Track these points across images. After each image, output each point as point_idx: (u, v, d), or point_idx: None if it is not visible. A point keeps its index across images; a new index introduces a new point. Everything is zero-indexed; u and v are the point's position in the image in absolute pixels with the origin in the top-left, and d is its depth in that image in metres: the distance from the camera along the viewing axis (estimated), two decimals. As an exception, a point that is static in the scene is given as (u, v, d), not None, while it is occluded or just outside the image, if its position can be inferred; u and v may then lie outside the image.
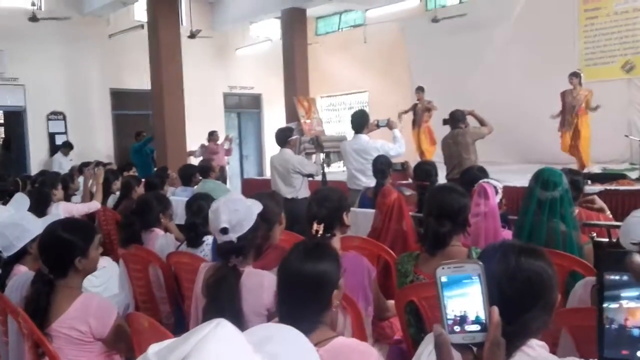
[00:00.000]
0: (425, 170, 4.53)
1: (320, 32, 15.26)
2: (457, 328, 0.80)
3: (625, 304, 0.63)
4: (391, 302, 2.53)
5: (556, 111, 8.30)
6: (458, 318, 0.81)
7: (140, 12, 12.07)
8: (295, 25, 12.11)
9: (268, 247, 2.58)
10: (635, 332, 0.60)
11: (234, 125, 14.69)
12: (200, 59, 13.03)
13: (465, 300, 0.81)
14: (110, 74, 12.12)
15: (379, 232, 3.44)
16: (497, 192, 3.36)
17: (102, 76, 12.09)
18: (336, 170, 9.06)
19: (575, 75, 8.17)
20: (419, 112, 10.04)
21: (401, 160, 5.15)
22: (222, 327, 0.68)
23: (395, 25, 12.79)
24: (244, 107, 15.01)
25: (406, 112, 10.18)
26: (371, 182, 5.16)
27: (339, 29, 14.89)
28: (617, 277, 0.64)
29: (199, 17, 12.84)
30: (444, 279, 0.82)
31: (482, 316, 0.80)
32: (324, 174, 6.58)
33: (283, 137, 5.98)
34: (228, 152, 11.57)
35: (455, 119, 6.24)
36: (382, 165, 4.42)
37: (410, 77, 12.74)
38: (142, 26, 11.01)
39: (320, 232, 2.50)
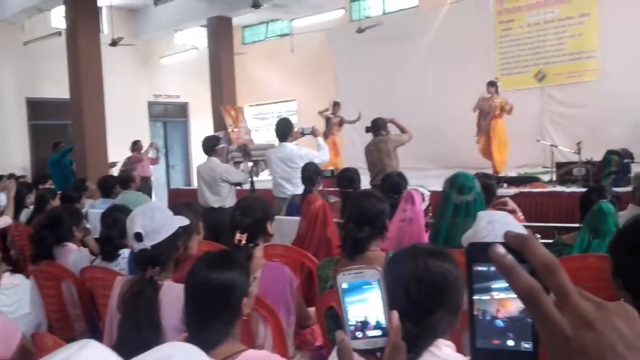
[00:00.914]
0: (348, 177, 4.58)
1: (247, 41, 15.21)
2: (359, 334, 0.80)
3: (495, 295, 0.64)
4: (313, 310, 2.54)
5: (474, 120, 8.65)
6: (359, 324, 0.81)
7: (57, 18, 11.59)
8: (221, 33, 12.02)
9: (186, 258, 2.53)
10: (506, 322, 0.62)
11: (160, 134, 14.36)
12: (123, 67, 12.65)
13: (366, 305, 0.81)
14: (26, 83, 11.56)
15: (303, 239, 3.44)
16: (424, 199, 3.47)
17: (17, 85, 11.51)
18: (265, 179, 9.03)
19: (492, 84, 8.56)
20: (331, 125, 10.22)
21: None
22: (87, 348, 0.65)
23: (322, 34, 12.96)
24: (170, 116, 14.70)
25: (324, 111, 10.33)
26: (297, 189, 5.18)
27: (265, 38, 14.89)
28: (485, 269, 0.65)
29: (121, 25, 12.48)
30: (344, 285, 0.82)
31: (383, 321, 0.81)
32: (252, 183, 6.54)
33: (210, 146, 5.88)
34: (154, 160, 11.28)
35: (377, 127, 6.34)
36: (309, 173, 4.44)
37: (337, 86, 12.93)
38: (59, 33, 10.57)
39: (243, 241, 2.48)
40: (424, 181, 6.19)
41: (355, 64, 12.37)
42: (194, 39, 14.26)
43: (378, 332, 0.79)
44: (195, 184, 11.60)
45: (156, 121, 14.34)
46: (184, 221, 2.27)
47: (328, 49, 13.21)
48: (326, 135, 10.09)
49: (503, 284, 0.60)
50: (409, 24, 11.60)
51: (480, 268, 0.64)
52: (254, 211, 2.52)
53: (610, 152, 6.37)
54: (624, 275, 1.41)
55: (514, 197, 6.12)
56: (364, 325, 0.80)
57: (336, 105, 10.33)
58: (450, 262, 1.36)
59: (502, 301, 0.63)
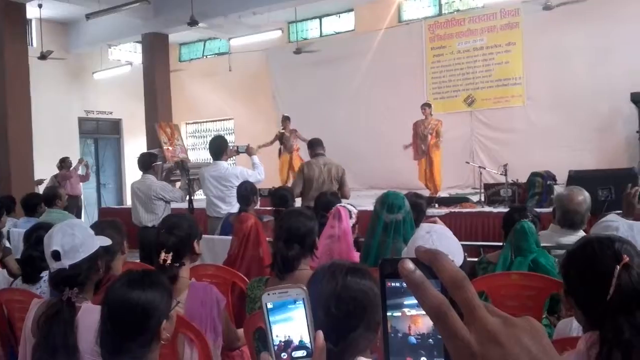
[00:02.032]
0: (281, 196, 4.58)
1: (184, 58, 15.04)
2: (283, 355, 0.78)
3: (407, 311, 0.64)
4: (242, 331, 2.49)
5: (408, 142, 8.87)
6: (283, 343, 0.80)
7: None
8: (157, 50, 11.84)
9: (109, 279, 2.44)
10: (418, 339, 0.62)
11: (91, 151, 13.87)
12: (53, 82, 12.22)
13: (291, 325, 0.79)
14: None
15: (234, 258, 3.40)
16: (351, 217, 3.51)
17: None
18: (202, 197, 8.90)
19: (427, 105, 8.84)
20: (288, 139, 10.20)
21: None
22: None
23: (260, 54, 13.00)
24: (102, 133, 14.25)
25: (270, 143, 10.23)
26: (232, 209, 5.12)
27: (203, 56, 14.78)
28: (398, 285, 0.64)
29: (51, 38, 12.04)
30: (269, 305, 0.80)
31: (307, 341, 0.80)
32: (190, 201, 6.41)
33: (146, 162, 5.74)
34: (84, 177, 10.89)
35: (315, 146, 6.31)
36: (245, 192, 4.39)
37: (275, 105, 12.97)
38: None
39: (169, 261, 2.41)
40: (359, 201, 6.27)
41: (293, 84, 12.47)
42: (129, 55, 13.96)
43: (303, 353, 0.78)
44: (128, 202, 11.34)
45: (87, 138, 13.86)
46: (105, 240, 2.19)
47: (266, 69, 13.26)
48: (290, 151, 10.09)
49: (414, 300, 0.60)
50: (345, 46, 11.84)
51: (393, 284, 0.64)
52: (180, 229, 2.45)
53: (534, 174, 6.67)
54: (575, 295, 1.47)
55: (445, 217, 6.32)
56: (288, 345, 0.79)
57: (285, 119, 10.24)
58: (370, 279, 1.37)
59: (414, 317, 0.62)
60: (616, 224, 2.08)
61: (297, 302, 0.80)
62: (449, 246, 2.01)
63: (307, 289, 0.81)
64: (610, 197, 5.32)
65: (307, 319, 0.79)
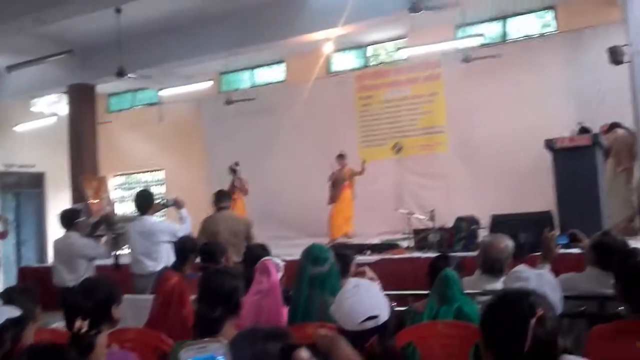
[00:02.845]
0: (209, 251, 4.45)
1: (113, 109, 14.75)
2: None
3: None
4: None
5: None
6: None
7: None
8: (83, 101, 11.57)
9: (20, 348, 2.28)
10: None
11: (11, 207, 13.16)
12: (-31, 135, 11.64)
13: None
14: None
15: (156, 320, 3.27)
16: (279, 270, 3.47)
17: None
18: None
19: (340, 156, 9.39)
20: (239, 182, 10.16)
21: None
22: None
23: (191, 104, 12.95)
24: (23, 187, 13.58)
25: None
26: (158, 265, 4.97)
27: (133, 106, 14.56)
28: None
29: (-32, 89, 11.55)
30: None
31: None
32: (116, 257, 6.16)
33: (69, 219, 5.53)
34: (2, 235, 10.28)
35: (220, 199, 6.09)
36: (184, 247, 4.26)
37: (207, 156, 12.87)
38: None
39: (84, 329, 2.29)
40: (291, 250, 6.21)
41: (225, 134, 12.44)
42: (54, 106, 13.53)
43: None
44: (50, 260, 10.77)
45: (8, 193, 13.18)
46: (13, 312, 2.06)
47: (197, 119, 13.19)
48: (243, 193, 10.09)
49: None
50: (277, 97, 12.00)
51: None
52: (98, 293, 2.35)
53: (459, 219, 6.87)
54: (493, 348, 1.50)
55: (376, 264, 6.38)
56: None
57: (232, 170, 10.24)
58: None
59: None
60: (526, 274, 2.17)
61: (218, 357, 0.77)
62: (375, 301, 2.02)
63: (227, 343, 0.78)
64: (530, 240, 5.53)
65: None
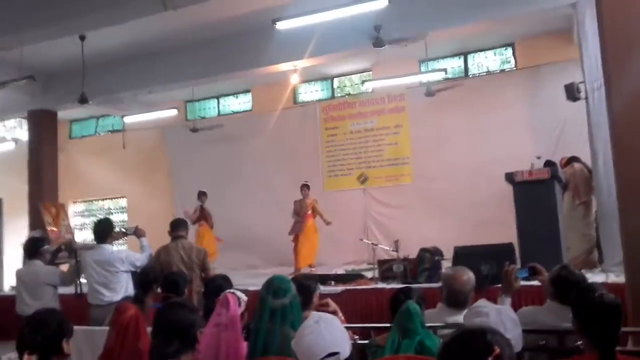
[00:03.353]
0: (172, 281, 4.37)
1: (75, 135, 14.48)
2: None
3: None
4: None
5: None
6: None
7: None
8: (44, 127, 11.33)
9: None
10: None
11: (-35, 234, 12.67)
12: None
13: None
14: None
15: (111, 352, 3.15)
16: (240, 304, 3.40)
17: None
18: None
19: (305, 186, 9.42)
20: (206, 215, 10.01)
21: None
22: None
23: (155, 132, 12.81)
24: (-22, 213, 13.11)
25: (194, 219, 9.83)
26: (116, 296, 4.84)
27: (96, 132, 14.33)
28: None
29: None
30: None
31: None
32: (78, 285, 5.98)
33: (34, 248, 5.47)
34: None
35: (176, 228, 5.92)
36: (147, 278, 4.15)
37: (171, 183, 12.71)
38: None
39: (32, 364, 2.19)
40: (258, 280, 6.13)
41: (190, 162, 12.33)
42: (14, 131, 13.21)
43: None
44: (5, 289, 10.37)
45: (-38, 219, 12.69)
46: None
47: (162, 146, 13.04)
48: (211, 226, 9.96)
49: None
50: (243, 126, 11.99)
51: None
52: (47, 328, 2.26)
53: (423, 250, 6.91)
54: None
55: (340, 295, 6.35)
56: None
57: (202, 194, 10.06)
58: None
59: None
60: (486, 309, 2.18)
61: None
62: (336, 336, 1.99)
63: None
64: (492, 272, 5.60)
65: None
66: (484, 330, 1.51)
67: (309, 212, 9.24)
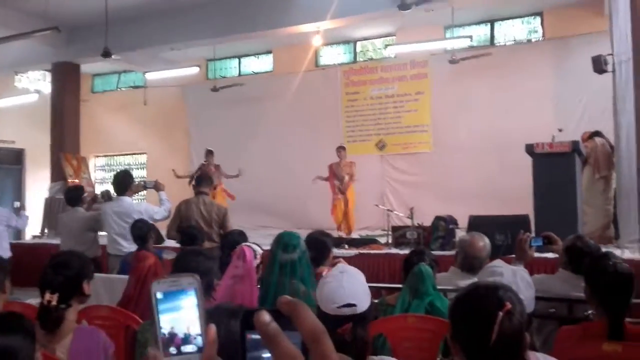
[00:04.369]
0: (190, 234, 4.45)
1: (97, 89, 14.58)
2: (172, 350, 0.71)
3: None
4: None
5: (321, 176, 9.06)
6: (173, 338, 0.71)
7: None
8: (67, 80, 11.43)
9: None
10: None
11: (-12, 182, 12.99)
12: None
13: (181, 317, 0.72)
14: None
15: (129, 299, 3.25)
16: (256, 257, 3.47)
17: None
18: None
19: (342, 148, 9.13)
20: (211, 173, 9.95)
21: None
22: None
23: (176, 89, 12.84)
24: (2, 163, 13.39)
25: (191, 177, 9.86)
26: (133, 246, 4.93)
27: (117, 88, 14.40)
28: (258, 337, 0.63)
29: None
30: (159, 295, 0.72)
31: (198, 334, 0.72)
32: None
33: (76, 196, 5.85)
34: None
35: (200, 183, 6.00)
36: (140, 231, 4.24)
37: (189, 142, 12.79)
38: None
39: (54, 302, 2.27)
40: (270, 240, 6.21)
41: (209, 121, 12.37)
42: (38, 83, 13.32)
43: (193, 348, 0.72)
44: (27, 237, 10.64)
45: (-15, 168, 13.00)
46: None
47: (181, 104, 13.09)
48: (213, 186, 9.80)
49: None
50: (263, 87, 11.95)
51: (254, 336, 0.62)
52: (69, 268, 2.32)
53: (438, 218, 6.91)
54: (459, 339, 1.49)
55: (353, 258, 6.41)
56: (177, 339, 0.72)
57: (209, 153, 9.81)
58: None
59: None
60: (500, 269, 2.19)
61: (189, 292, 0.74)
62: (356, 289, 2.01)
63: (199, 278, 0.76)
64: (506, 242, 5.60)
65: (198, 310, 0.73)
66: (496, 286, 1.52)
67: (348, 174, 8.93)
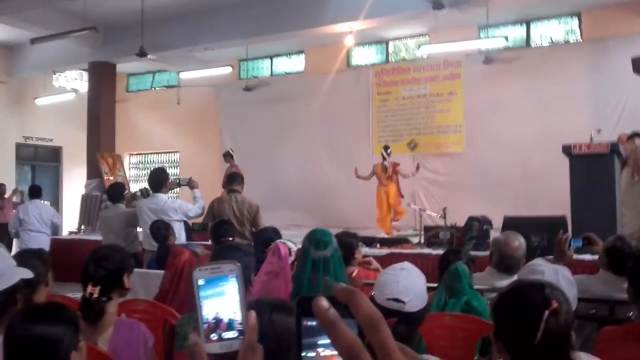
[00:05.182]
0: (224, 229, 4.49)
1: (132, 88, 14.84)
2: (213, 336, 0.72)
3: (321, 351, 0.62)
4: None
5: (352, 182, 9.06)
6: (214, 324, 0.72)
7: None
8: (103, 79, 11.66)
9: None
10: None
11: (28, 178, 13.33)
12: (-9, 105, 11.78)
13: (222, 303, 0.73)
14: None
15: (166, 294, 3.29)
16: (290, 254, 3.48)
17: None
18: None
19: (386, 148, 9.18)
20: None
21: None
22: None
23: (209, 89, 12.98)
24: (40, 160, 13.75)
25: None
26: (168, 243, 5.00)
27: (152, 87, 14.64)
28: (313, 323, 0.62)
29: (-8, 61, 11.70)
30: (201, 281, 0.73)
31: (239, 320, 0.72)
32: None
33: (118, 193, 6.03)
34: (18, 205, 10.42)
35: (231, 182, 6.02)
36: (158, 231, 4.36)
37: (221, 141, 12.92)
38: None
39: (96, 295, 2.31)
40: (302, 239, 6.23)
41: (241, 120, 12.48)
42: (75, 82, 13.65)
43: (234, 334, 0.73)
44: (64, 233, 10.90)
45: (24, 164, 13.35)
46: (27, 273, 2.08)
47: (214, 104, 13.24)
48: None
49: (327, 339, 0.58)
50: (295, 87, 12.00)
51: (309, 323, 0.62)
52: (110, 262, 2.36)
53: (471, 219, 6.82)
54: (503, 337, 1.48)
55: (385, 257, 6.37)
56: (219, 325, 0.72)
57: (227, 155, 9.82)
58: (294, 316, 1.36)
59: (328, 358, 0.60)
60: (542, 267, 2.15)
61: (230, 278, 0.74)
62: (410, 287, 1.99)
63: (240, 265, 0.76)
64: (542, 244, 5.50)
65: (239, 296, 0.73)
66: (542, 284, 1.48)
67: (391, 175, 9.00)
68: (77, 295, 2.49)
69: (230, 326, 0.73)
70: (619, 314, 2.89)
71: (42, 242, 6.89)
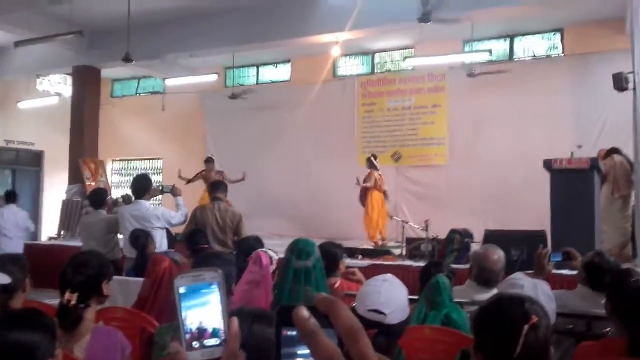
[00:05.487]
0: (199, 237, 4.48)
1: (116, 94, 14.74)
2: (195, 344, 0.71)
3: None
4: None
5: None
6: (196, 332, 0.72)
7: None
8: (88, 83, 11.57)
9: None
10: None
11: (7, 183, 13.14)
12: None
13: (204, 311, 0.72)
14: None
15: (144, 301, 3.26)
16: (272, 262, 3.47)
17: None
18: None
19: (374, 157, 9.36)
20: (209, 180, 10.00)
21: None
22: None
23: (194, 96, 12.94)
24: (21, 164, 13.57)
25: (190, 180, 9.94)
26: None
27: (136, 93, 14.55)
28: (293, 333, 0.63)
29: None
30: (182, 289, 0.72)
31: (221, 327, 0.72)
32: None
33: (100, 198, 5.99)
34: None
35: (215, 189, 5.99)
36: (137, 240, 4.33)
37: (205, 149, 12.86)
38: None
39: (73, 302, 2.28)
40: (285, 248, 6.22)
41: (226, 128, 12.45)
42: (58, 86, 13.52)
43: (216, 341, 0.72)
44: (43, 238, 10.76)
45: (5, 168, 13.16)
46: (4, 278, 2.05)
47: (199, 111, 13.19)
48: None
49: (307, 349, 0.58)
50: (281, 96, 12.02)
51: (290, 333, 0.62)
52: (89, 268, 2.34)
53: (453, 231, 6.87)
54: (483, 350, 1.49)
55: (367, 269, 6.38)
56: (201, 333, 0.72)
57: (209, 160, 9.91)
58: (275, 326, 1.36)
59: None
60: (521, 282, 2.17)
61: (212, 286, 0.74)
62: (391, 299, 1.99)
63: (221, 273, 0.75)
64: (522, 257, 5.55)
65: (221, 304, 0.73)
66: (522, 299, 1.49)
67: (374, 185, 9.13)
68: (55, 301, 2.46)
69: (213, 334, 0.72)
70: (596, 329, 2.92)
71: (18, 247, 6.84)
